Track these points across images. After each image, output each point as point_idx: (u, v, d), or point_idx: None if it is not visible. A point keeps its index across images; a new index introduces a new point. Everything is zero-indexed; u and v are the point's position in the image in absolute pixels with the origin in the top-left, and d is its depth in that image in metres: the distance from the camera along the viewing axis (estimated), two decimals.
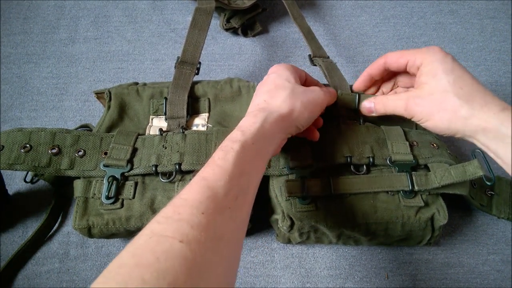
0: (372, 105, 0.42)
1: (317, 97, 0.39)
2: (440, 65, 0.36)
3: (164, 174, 0.40)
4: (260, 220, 0.45)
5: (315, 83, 0.44)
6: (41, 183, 0.49)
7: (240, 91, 0.47)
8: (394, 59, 0.40)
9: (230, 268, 0.27)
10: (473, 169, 0.38)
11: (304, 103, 0.37)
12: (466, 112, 0.34)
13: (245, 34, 0.65)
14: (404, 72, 0.41)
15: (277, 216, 0.41)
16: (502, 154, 0.34)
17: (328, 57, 0.51)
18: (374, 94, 0.45)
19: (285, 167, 0.41)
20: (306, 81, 0.43)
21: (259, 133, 0.33)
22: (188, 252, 0.23)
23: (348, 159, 0.40)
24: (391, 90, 0.45)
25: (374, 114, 0.42)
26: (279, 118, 0.35)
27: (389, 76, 0.44)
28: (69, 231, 0.47)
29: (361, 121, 0.44)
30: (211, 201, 0.27)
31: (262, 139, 0.33)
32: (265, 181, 0.42)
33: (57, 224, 0.48)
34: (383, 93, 0.45)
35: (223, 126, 0.45)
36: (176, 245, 0.23)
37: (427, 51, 0.37)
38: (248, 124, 0.33)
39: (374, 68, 0.42)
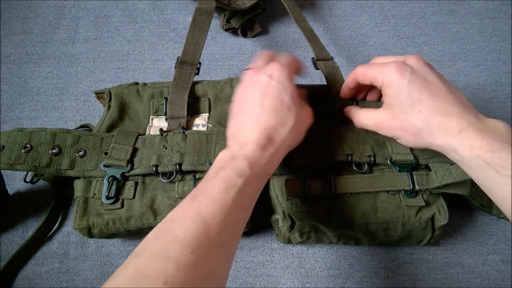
0: (350, 115, 0.42)
1: (309, 120, 0.39)
2: (398, 88, 0.35)
3: (164, 174, 0.40)
4: (260, 220, 0.45)
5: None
6: (41, 183, 0.49)
7: None
8: (360, 77, 0.39)
9: None
10: None
11: (302, 131, 0.38)
12: (426, 136, 0.35)
13: (244, 35, 0.65)
14: None
15: (278, 216, 0.41)
16: (470, 175, 0.34)
17: (332, 58, 0.51)
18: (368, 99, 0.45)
19: (285, 167, 0.41)
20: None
21: (265, 167, 0.32)
22: None
23: (349, 157, 0.40)
24: (379, 96, 0.43)
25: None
26: (283, 150, 0.35)
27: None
28: (69, 231, 0.47)
29: None
30: (203, 239, 0.26)
31: (266, 173, 0.33)
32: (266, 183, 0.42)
33: (57, 224, 0.48)
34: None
35: (223, 126, 0.45)
36: (159, 286, 0.22)
37: (386, 71, 0.36)
38: (258, 156, 0.32)
39: (349, 81, 0.42)
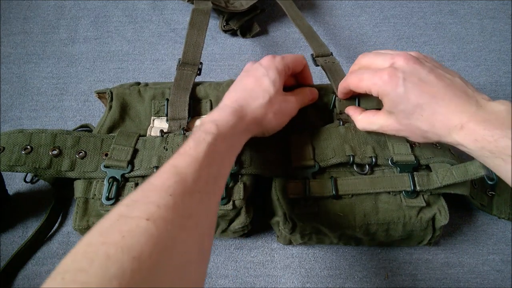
0: (353, 119, 0.43)
1: (289, 108, 0.41)
2: (395, 98, 0.35)
3: None
4: (260, 220, 0.45)
5: (307, 77, 0.46)
6: (41, 183, 0.49)
7: None
8: (354, 88, 0.39)
9: (201, 244, 0.28)
10: (475, 169, 0.37)
11: (276, 114, 0.39)
12: (433, 136, 0.35)
13: (243, 35, 0.65)
14: None
15: (278, 218, 0.40)
16: (484, 163, 0.34)
17: (331, 54, 0.51)
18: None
19: (287, 168, 0.41)
20: (301, 75, 0.45)
21: (232, 130, 0.35)
22: (153, 228, 0.24)
23: (351, 158, 0.40)
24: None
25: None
26: (251, 121, 0.37)
27: None
28: (69, 231, 0.47)
29: None
30: (180, 185, 0.28)
31: (233, 136, 0.35)
32: (267, 183, 0.42)
33: (57, 224, 0.48)
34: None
35: None
36: (142, 223, 0.24)
37: (379, 83, 0.35)
38: (224, 120, 0.35)
39: (343, 88, 0.42)
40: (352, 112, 0.43)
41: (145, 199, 0.26)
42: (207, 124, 0.34)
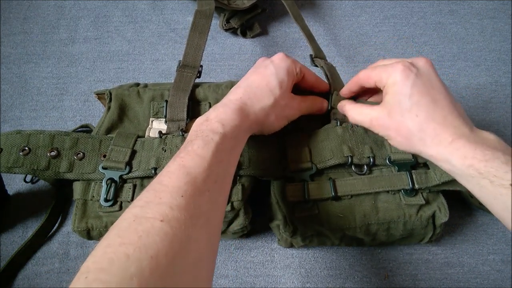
0: (345, 110, 0.42)
1: (292, 114, 0.42)
2: (400, 88, 0.35)
3: None
4: (260, 221, 0.45)
5: (313, 82, 0.44)
6: (41, 183, 0.49)
7: None
8: (365, 80, 0.39)
9: (211, 242, 0.29)
10: None
11: (278, 117, 0.40)
12: (418, 142, 0.35)
13: (244, 35, 0.65)
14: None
15: (278, 221, 0.40)
16: (463, 184, 0.34)
17: (326, 60, 0.51)
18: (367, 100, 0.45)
19: (285, 171, 0.41)
20: (303, 79, 0.43)
21: (237, 130, 0.35)
22: (168, 228, 0.25)
23: (349, 159, 0.40)
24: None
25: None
26: (253, 121, 0.38)
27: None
28: (69, 231, 0.47)
29: None
30: (190, 185, 0.29)
31: (238, 135, 0.36)
32: (266, 186, 0.42)
33: (57, 224, 0.48)
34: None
35: None
36: (157, 223, 0.25)
37: (391, 70, 0.36)
38: (229, 118, 0.35)
39: (352, 85, 0.42)
40: (346, 103, 0.42)
41: (158, 200, 0.27)
42: (214, 124, 0.34)
